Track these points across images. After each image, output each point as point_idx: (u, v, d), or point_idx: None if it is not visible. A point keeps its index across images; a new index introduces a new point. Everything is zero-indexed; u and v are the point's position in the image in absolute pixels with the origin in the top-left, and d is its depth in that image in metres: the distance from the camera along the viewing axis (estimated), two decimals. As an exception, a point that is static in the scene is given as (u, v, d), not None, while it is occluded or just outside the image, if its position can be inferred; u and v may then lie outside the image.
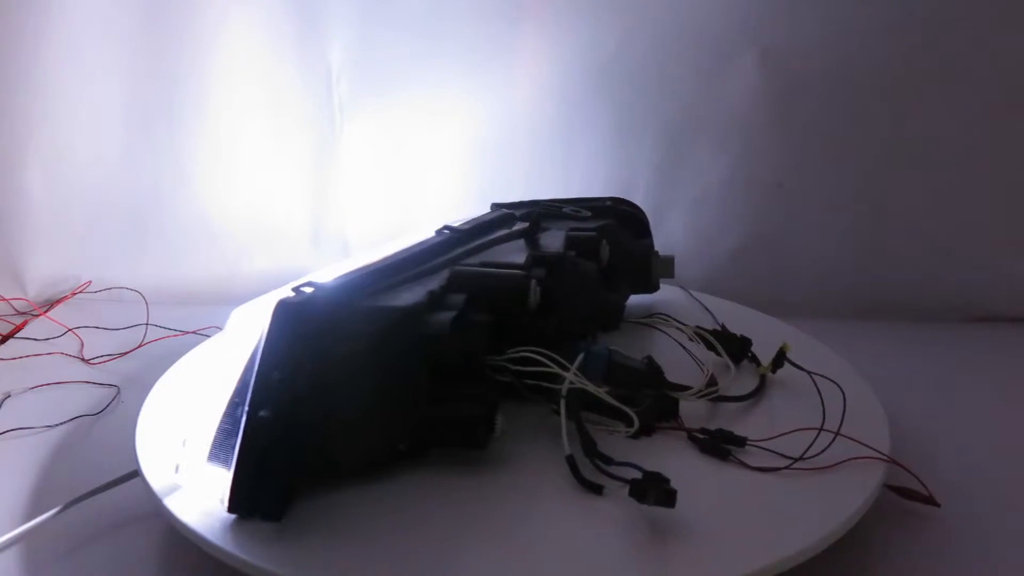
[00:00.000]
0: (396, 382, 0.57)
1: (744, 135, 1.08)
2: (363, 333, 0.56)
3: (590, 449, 0.57)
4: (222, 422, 0.59)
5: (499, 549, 0.51)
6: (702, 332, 0.76)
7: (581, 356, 0.63)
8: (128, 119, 1.10)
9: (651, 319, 0.83)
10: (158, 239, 1.13)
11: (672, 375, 0.67)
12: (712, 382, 0.68)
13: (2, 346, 0.97)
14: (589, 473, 0.56)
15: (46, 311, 1.06)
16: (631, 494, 0.52)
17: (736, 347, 0.74)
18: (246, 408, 0.53)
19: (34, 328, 1.01)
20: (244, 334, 0.61)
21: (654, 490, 0.51)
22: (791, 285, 1.10)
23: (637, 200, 0.94)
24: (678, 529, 0.51)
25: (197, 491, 0.56)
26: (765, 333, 0.77)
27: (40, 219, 1.12)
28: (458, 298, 0.62)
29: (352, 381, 0.55)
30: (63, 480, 0.67)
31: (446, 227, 0.77)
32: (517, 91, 1.10)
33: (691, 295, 0.94)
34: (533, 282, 0.65)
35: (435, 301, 0.61)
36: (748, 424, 0.64)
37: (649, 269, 0.89)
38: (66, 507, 0.60)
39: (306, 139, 1.12)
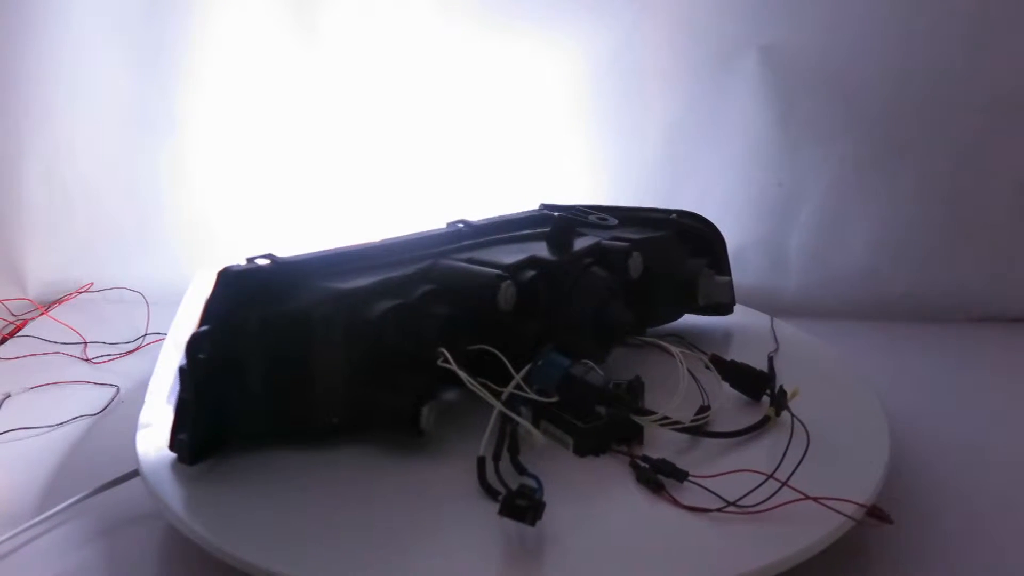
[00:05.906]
0: (328, 358, 0.58)
1: (744, 135, 1.08)
2: (299, 307, 0.58)
3: (511, 456, 0.56)
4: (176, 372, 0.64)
5: (371, 535, 0.51)
6: (710, 362, 0.71)
7: (529, 365, 0.60)
8: (128, 119, 1.10)
9: (663, 339, 0.77)
10: (158, 239, 1.14)
11: (672, 401, 0.63)
12: (702, 411, 0.64)
13: (2, 346, 0.97)
14: (507, 477, 0.54)
15: (47, 310, 1.06)
16: (501, 502, 0.50)
17: (754, 382, 0.69)
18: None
19: (35, 328, 1.01)
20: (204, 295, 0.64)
21: (508, 505, 0.49)
22: (791, 285, 1.10)
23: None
24: (554, 551, 0.49)
25: (160, 430, 0.61)
26: (825, 367, 0.74)
27: (41, 219, 1.12)
28: (421, 289, 0.63)
29: (282, 350, 0.58)
30: (63, 480, 0.67)
31: (461, 220, 0.76)
32: (518, 86, 1.10)
33: (771, 323, 0.87)
34: (506, 283, 0.63)
35: (391, 288, 0.62)
36: (726, 461, 0.59)
37: (696, 289, 0.82)
38: (66, 507, 0.61)
39: (307, 138, 1.12)
